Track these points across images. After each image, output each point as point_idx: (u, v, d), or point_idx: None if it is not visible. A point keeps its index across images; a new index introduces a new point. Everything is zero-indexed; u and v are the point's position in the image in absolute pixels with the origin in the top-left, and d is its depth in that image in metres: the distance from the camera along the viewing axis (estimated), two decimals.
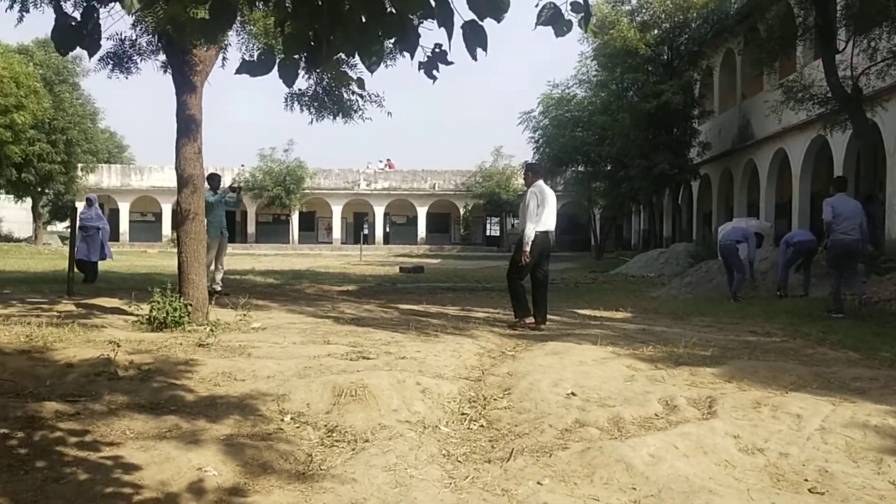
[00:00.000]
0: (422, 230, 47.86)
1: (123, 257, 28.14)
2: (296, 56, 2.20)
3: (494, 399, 4.58)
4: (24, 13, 8.00)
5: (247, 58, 9.54)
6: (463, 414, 4.30)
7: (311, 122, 10.32)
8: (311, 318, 8.27)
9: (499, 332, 7.28)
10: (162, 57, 8.55)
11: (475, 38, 1.98)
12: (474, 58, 2.02)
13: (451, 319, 8.27)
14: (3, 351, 5.36)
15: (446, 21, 1.97)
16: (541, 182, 7.80)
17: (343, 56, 2.24)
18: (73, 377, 4.79)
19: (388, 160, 50.08)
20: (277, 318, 8.28)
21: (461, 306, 10.05)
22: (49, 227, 45.85)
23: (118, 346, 5.48)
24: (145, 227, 47.46)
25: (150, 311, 7.04)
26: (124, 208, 46.82)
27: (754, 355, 5.94)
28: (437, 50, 2.11)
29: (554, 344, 6.26)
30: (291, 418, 4.11)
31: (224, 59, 8.35)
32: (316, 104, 9.93)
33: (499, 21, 2.06)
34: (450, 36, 2.02)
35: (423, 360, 5.45)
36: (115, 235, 45.93)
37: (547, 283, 7.92)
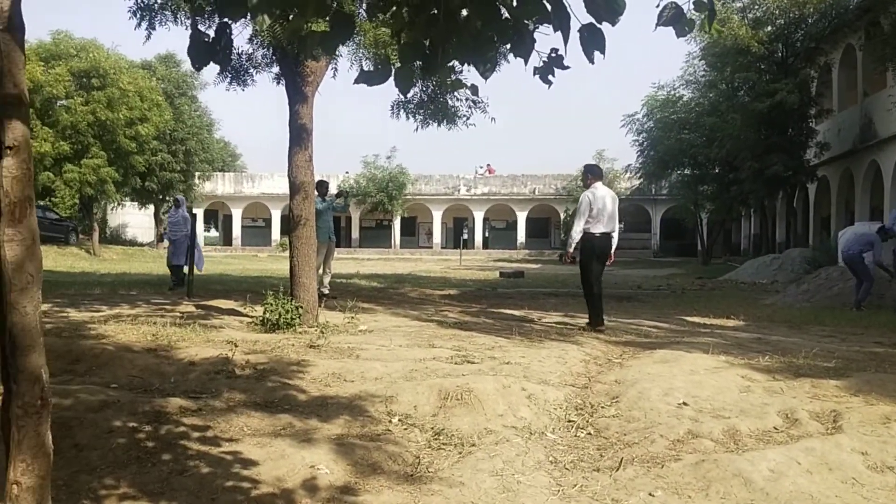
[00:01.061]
0: (521, 235, 47.65)
1: (236, 261, 29.45)
2: (411, 64, 2.24)
3: (602, 407, 4.50)
4: (151, 31, 8.53)
5: (357, 69, 9.81)
6: (570, 421, 4.24)
7: (417, 129, 10.49)
8: (416, 322, 8.38)
9: (605, 339, 7.14)
10: (275, 69, 8.88)
11: (593, 42, 1.96)
12: (592, 61, 1.99)
13: (554, 325, 8.19)
14: (132, 349, 5.69)
15: (563, 25, 1.95)
16: (598, 184, 7.78)
17: (457, 63, 2.26)
18: (195, 375, 5.04)
19: (488, 165, 50.16)
20: (383, 321, 8.44)
21: (564, 312, 9.93)
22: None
23: (235, 346, 5.74)
24: (256, 231, 49.44)
25: (264, 312, 7.32)
26: (237, 214, 48.96)
27: (882, 367, 5.57)
28: (553, 55, 2.10)
29: (663, 352, 6.08)
30: (399, 420, 4.17)
31: (334, 69, 8.57)
32: (421, 111, 10.06)
33: (613, 24, 2.03)
34: (566, 40, 2.00)
35: (528, 365, 5.42)
36: (227, 240, 48.28)
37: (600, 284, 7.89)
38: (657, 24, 2.04)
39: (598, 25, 1.95)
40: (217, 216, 50.39)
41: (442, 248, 47.28)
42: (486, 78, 2.19)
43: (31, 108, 28.58)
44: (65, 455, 3.41)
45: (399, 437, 3.91)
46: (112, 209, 42.61)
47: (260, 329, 7.25)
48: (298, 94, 7.67)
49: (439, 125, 10.25)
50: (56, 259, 24.34)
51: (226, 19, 1.90)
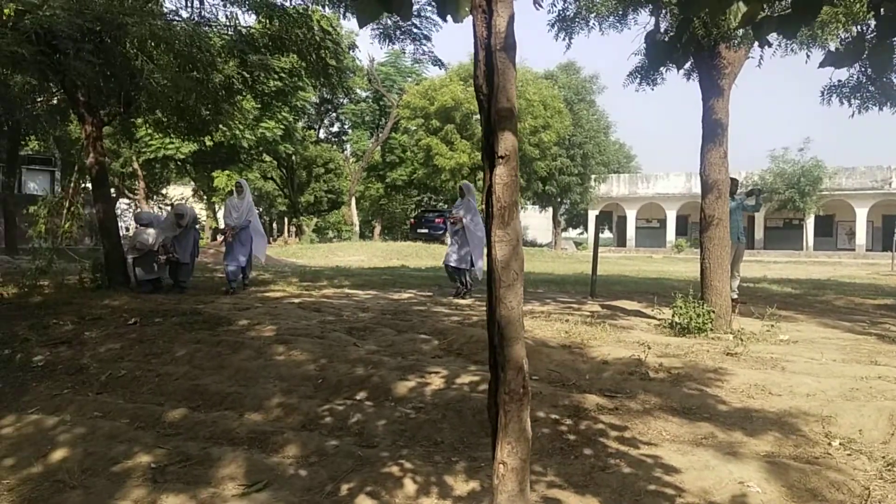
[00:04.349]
0: None
1: (631, 262, 29.66)
2: (890, 40, 1.94)
3: None
4: (570, 40, 8.94)
5: (776, 51, 8.95)
6: None
7: (852, 115, 9.19)
8: (849, 334, 7.41)
9: None
10: (686, 64, 8.55)
11: None
12: None
13: None
14: (548, 344, 6.04)
15: None
16: None
17: None
18: (609, 374, 5.14)
19: None
20: (806, 331, 7.64)
21: None
22: (564, 234, 50.95)
23: (648, 348, 5.72)
24: (650, 233, 49.14)
25: (673, 315, 7.18)
26: (631, 215, 49.22)
27: None
28: None
29: None
30: (840, 444, 3.74)
31: (759, 58, 7.86)
32: (859, 94, 8.75)
33: None
34: None
35: None
36: (621, 241, 48.92)
37: None
38: None
39: None
40: (611, 217, 51.41)
41: (867, 250, 41.27)
42: None
43: (452, 123, 32.65)
44: None
45: (841, 462, 3.50)
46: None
47: (669, 332, 7.13)
48: (713, 88, 7.30)
49: (881, 109, 8.80)
50: None
51: (689, 14, 1.85)
